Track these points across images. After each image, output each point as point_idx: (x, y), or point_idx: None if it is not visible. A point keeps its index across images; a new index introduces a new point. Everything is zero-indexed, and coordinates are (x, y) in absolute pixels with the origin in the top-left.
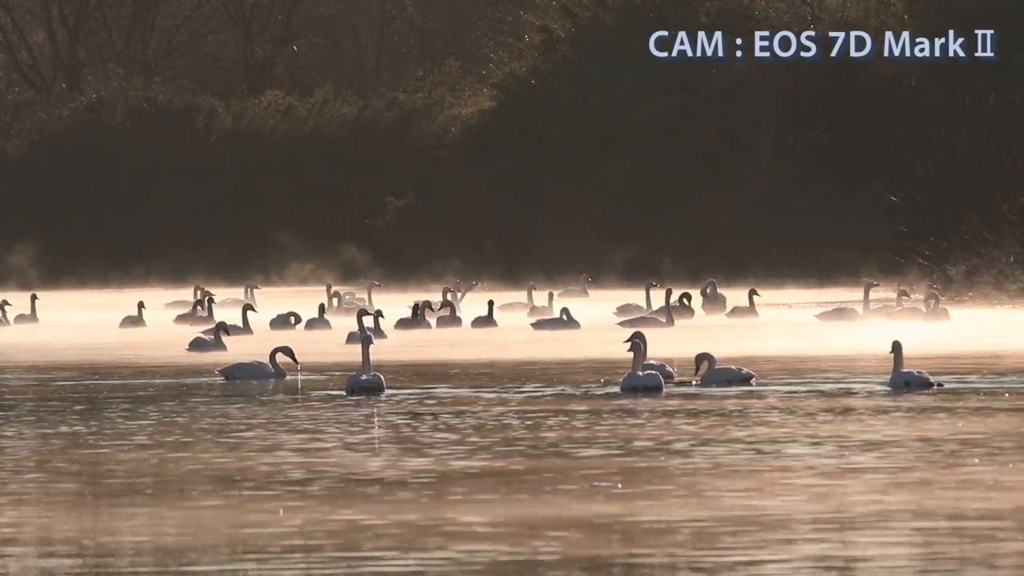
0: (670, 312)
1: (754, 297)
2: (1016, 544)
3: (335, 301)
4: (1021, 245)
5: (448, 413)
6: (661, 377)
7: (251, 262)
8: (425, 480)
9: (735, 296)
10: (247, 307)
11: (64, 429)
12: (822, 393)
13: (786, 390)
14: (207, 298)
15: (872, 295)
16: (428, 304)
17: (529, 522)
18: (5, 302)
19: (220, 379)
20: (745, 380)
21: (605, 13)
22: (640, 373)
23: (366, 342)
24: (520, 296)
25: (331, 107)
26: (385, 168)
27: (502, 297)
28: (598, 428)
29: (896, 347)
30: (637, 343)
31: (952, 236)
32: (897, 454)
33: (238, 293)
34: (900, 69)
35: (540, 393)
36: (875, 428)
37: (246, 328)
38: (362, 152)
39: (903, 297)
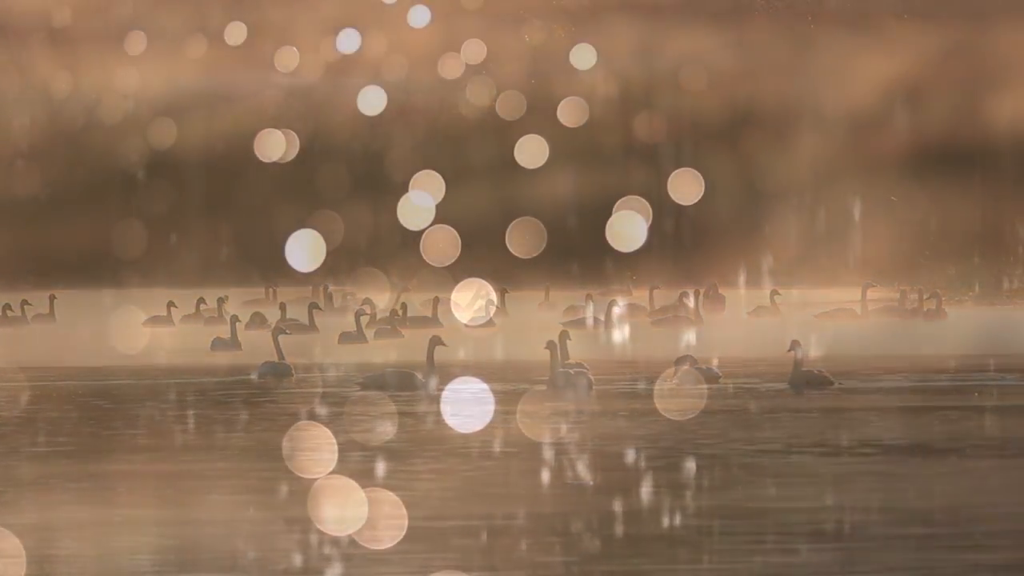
0: (700, 310)
1: (775, 297)
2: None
3: (332, 302)
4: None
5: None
6: (590, 376)
7: (254, 262)
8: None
9: (737, 296)
10: (312, 305)
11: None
12: (762, 392)
13: (744, 387)
14: (218, 298)
15: (871, 295)
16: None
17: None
18: (25, 301)
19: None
20: (715, 378)
21: None
22: (572, 372)
23: (434, 341)
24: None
25: None
26: None
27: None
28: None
29: (795, 346)
30: (554, 343)
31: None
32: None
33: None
34: None
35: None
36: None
37: (311, 327)
38: None
39: (904, 297)
